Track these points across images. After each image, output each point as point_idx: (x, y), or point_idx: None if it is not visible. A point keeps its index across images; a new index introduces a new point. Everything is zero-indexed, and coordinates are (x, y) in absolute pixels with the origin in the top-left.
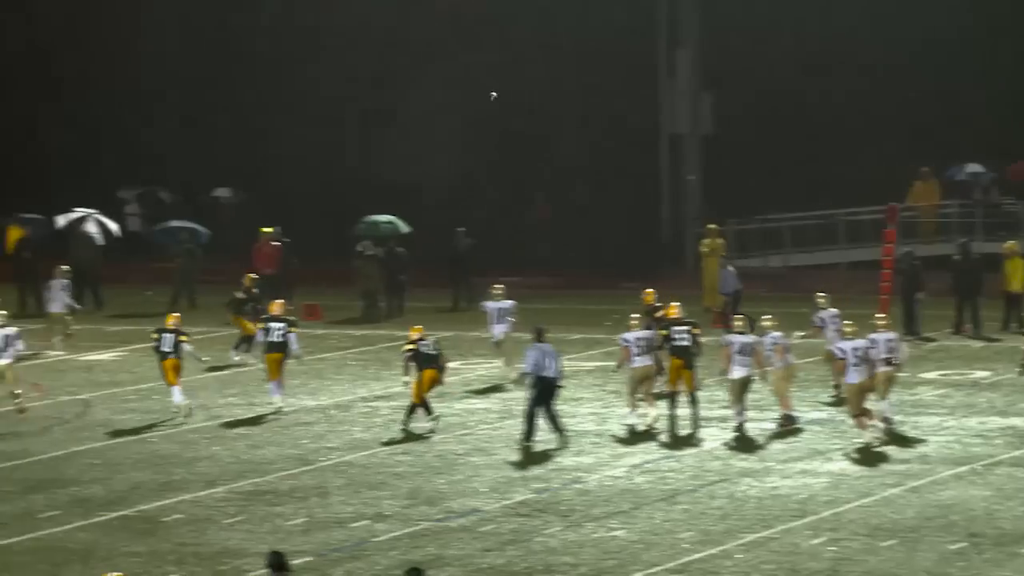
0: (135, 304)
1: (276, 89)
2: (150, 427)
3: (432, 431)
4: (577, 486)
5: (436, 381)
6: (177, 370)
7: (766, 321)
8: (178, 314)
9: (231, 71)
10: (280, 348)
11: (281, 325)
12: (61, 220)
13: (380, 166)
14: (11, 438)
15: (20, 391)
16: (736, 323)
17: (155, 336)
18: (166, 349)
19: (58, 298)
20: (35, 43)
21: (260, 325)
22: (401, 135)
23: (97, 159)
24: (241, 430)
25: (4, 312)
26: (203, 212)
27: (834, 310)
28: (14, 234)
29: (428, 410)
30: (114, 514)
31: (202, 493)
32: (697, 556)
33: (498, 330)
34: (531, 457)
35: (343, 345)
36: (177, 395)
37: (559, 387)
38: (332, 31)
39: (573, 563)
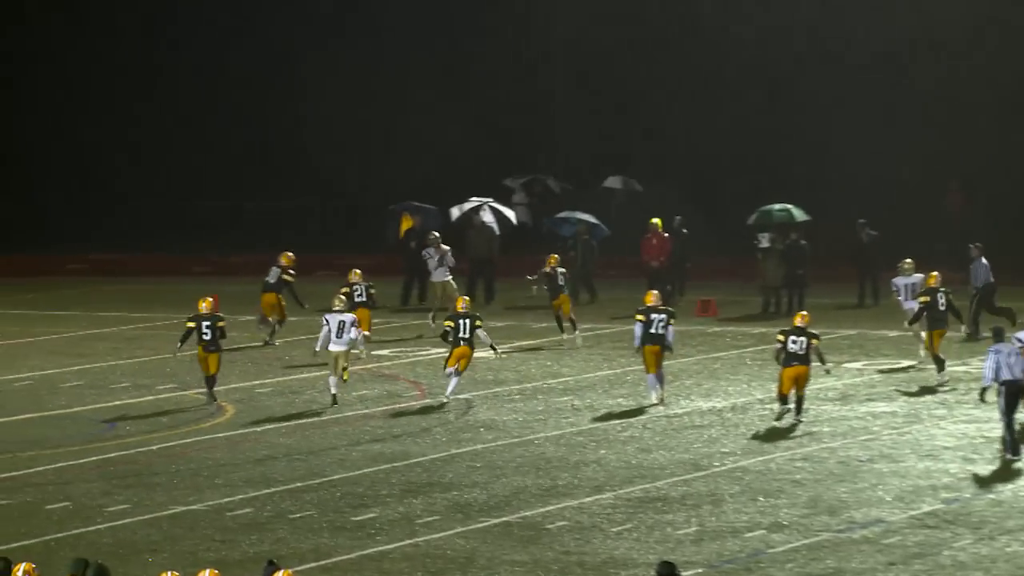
0: (522, 298)
1: (667, 73)
2: (534, 429)
3: (796, 422)
4: (990, 496)
5: (799, 379)
6: (467, 358)
7: None
8: (468, 297)
9: (619, 56)
10: (659, 340)
11: (662, 317)
12: (455, 211)
13: (780, 151)
14: (389, 440)
15: (346, 369)
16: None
17: (451, 324)
18: (464, 335)
19: (437, 268)
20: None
21: (640, 317)
22: (813, 121)
23: (483, 147)
24: (630, 433)
25: (342, 296)
26: (595, 202)
27: None
28: (407, 223)
29: (798, 408)
30: (495, 520)
31: (588, 499)
32: None
33: (910, 306)
34: (942, 465)
35: (739, 343)
36: (453, 383)
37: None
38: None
39: None
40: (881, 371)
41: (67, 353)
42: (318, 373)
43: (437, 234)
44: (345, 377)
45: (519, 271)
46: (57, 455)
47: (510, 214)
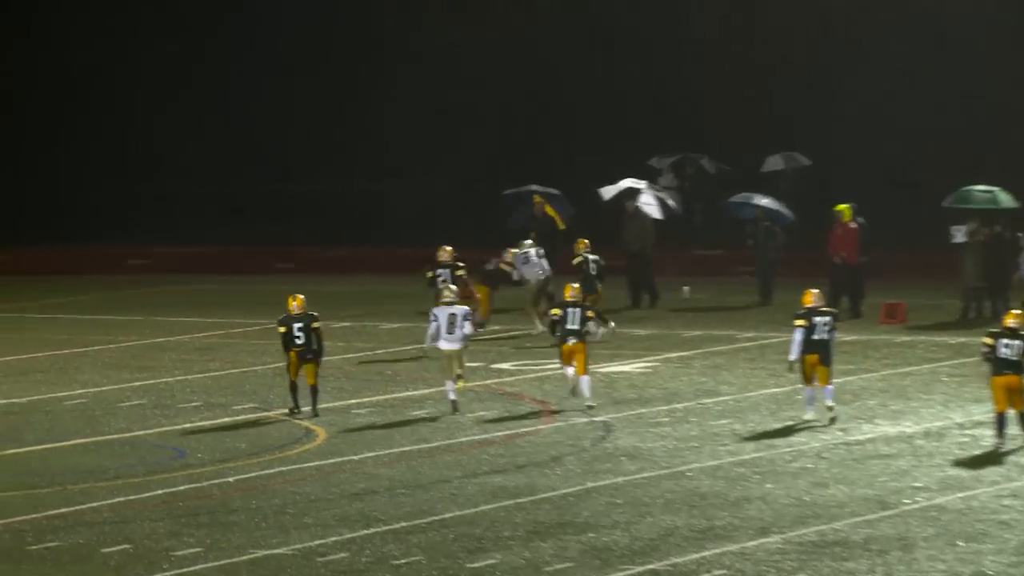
0: (669, 301)
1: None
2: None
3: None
4: None
5: (1014, 389)
6: (583, 354)
7: None
8: (576, 287)
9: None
10: (821, 348)
11: (826, 319)
12: (608, 191)
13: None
14: (512, 471)
15: (462, 376)
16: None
17: (558, 312)
18: (573, 326)
19: (531, 270)
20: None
21: (801, 322)
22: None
23: (624, 121)
24: (803, 463)
25: (454, 288)
26: (762, 188)
27: None
28: (546, 209)
29: (1002, 426)
30: (639, 567)
31: (751, 543)
32: None
33: None
34: None
35: (934, 356)
36: (585, 387)
37: None
38: None
39: None
40: None
41: (127, 366)
42: (426, 391)
43: (531, 239)
44: (459, 385)
45: (668, 268)
46: (115, 488)
47: (671, 203)
